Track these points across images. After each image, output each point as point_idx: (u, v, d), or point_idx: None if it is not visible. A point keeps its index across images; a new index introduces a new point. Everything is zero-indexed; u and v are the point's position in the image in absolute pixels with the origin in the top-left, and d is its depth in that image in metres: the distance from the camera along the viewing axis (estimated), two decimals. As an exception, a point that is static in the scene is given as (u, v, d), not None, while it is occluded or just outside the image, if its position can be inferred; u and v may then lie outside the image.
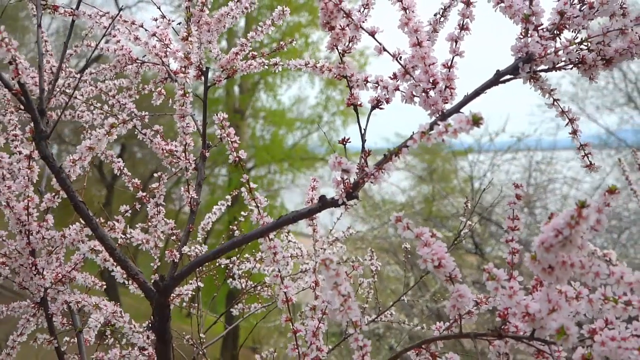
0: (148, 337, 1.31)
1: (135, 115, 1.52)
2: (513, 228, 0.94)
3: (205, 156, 1.51)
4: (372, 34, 0.91)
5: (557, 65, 0.84)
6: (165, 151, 1.44)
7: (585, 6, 0.84)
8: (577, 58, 0.84)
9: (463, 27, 0.89)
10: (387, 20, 1.00)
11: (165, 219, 1.46)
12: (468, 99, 0.87)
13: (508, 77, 0.87)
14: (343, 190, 0.87)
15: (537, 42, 0.83)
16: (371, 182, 0.85)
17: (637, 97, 8.19)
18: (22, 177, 1.28)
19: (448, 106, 0.88)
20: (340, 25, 0.90)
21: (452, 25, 0.90)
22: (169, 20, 1.50)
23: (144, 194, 1.51)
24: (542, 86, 0.89)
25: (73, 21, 1.39)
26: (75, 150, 1.10)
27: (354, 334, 0.75)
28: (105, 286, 1.51)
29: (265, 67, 1.62)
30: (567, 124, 0.92)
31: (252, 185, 1.07)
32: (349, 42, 0.93)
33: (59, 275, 1.38)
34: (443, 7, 1.00)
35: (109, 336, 1.53)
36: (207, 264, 1.98)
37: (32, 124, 1.13)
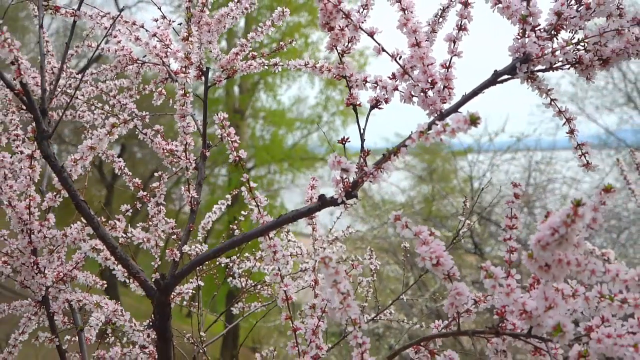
0: (149, 336, 1.32)
1: (136, 115, 1.52)
2: (511, 227, 0.95)
3: (205, 156, 1.52)
4: (371, 34, 0.92)
5: (554, 66, 0.85)
6: (165, 151, 1.45)
7: (582, 7, 0.84)
8: (574, 58, 0.85)
9: (461, 28, 0.90)
10: (386, 21, 1.01)
11: (165, 218, 1.47)
12: (466, 98, 0.88)
13: (506, 77, 0.88)
14: (342, 189, 0.88)
15: (535, 42, 0.84)
16: (370, 182, 0.86)
17: (637, 97, 8.19)
18: (24, 176, 1.29)
19: (446, 106, 0.89)
20: (340, 26, 0.91)
21: (451, 26, 0.91)
22: (170, 21, 1.51)
23: (145, 193, 1.52)
24: (539, 86, 0.90)
25: (74, 22, 1.40)
26: (75, 150, 1.11)
27: (353, 331, 0.76)
28: (105, 285, 1.51)
29: (265, 67, 1.63)
30: (564, 124, 0.93)
31: (252, 184, 1.08)
32: (348, 43, 0.94)
33: (60, 274, 1.39)
34: (441, 8, 1.01)
35: (110, 335, 1.53)
36: (207, 262, 1.99)
37: (33, 124, 1.14)
